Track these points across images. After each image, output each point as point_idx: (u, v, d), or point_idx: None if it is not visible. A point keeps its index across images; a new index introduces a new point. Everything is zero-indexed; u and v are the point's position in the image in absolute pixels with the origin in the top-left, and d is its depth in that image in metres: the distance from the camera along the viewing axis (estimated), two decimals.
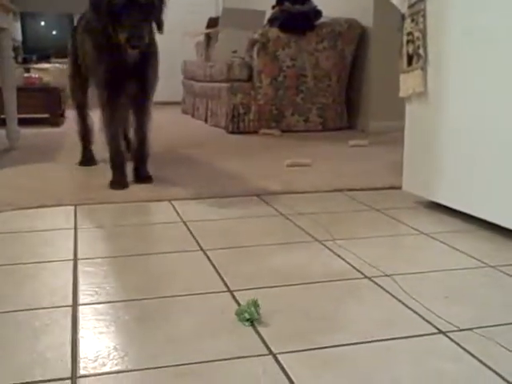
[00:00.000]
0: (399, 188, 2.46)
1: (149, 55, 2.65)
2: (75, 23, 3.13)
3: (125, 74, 2.63)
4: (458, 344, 1.20)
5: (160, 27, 2.61)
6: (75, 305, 1.39)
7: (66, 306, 1.39)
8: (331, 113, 4.83)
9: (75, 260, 1.71)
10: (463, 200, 2.07)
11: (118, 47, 2.51)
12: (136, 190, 2.58)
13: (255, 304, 1.31)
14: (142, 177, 2.75)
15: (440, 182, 2.18)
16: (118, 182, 2.63)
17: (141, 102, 2.75)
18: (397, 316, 1.34)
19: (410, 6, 2.25)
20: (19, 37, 7.23)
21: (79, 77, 2.96)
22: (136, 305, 1.39)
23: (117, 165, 2.69)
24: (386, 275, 1.58)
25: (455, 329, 1.27)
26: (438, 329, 1.27)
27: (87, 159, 3.19)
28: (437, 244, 1.87)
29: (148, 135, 2.80)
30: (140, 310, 1.36)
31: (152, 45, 2.66)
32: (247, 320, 1.28)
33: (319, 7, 4.76)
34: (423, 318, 1.32)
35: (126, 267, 1.66)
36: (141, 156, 2.79)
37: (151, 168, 2.81)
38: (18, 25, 7.20)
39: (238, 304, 1.37)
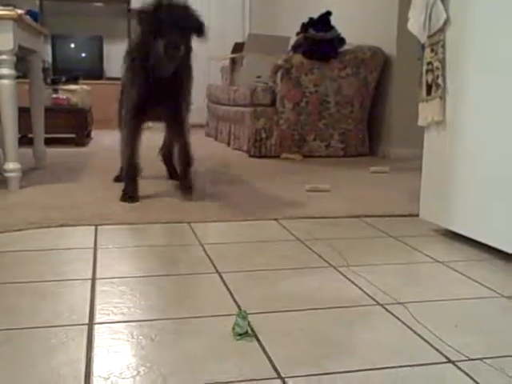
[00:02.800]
0: (417, 216, 2.47)
1: (182, 78, 2.82)
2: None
3: (155, 99, 2.78)
4: (466, 374, 1.20)
5: (200, 35, 2.76)
6: (91, 323, 1.43)
7: (82, 324, 1.42)
8: (353, 139, 4.86)
9: (93, 279, 1.74)
10: (479, 229, 2.08)
11: (153, 68, 2.68)
12: (155, 211, 2.62)
13: (243, 317, 1.35)
14: (185, 186, 2.91)
15: (456, 211, 2.19)
16: (128, 195, 2.80)
17: (175, 125, 2.94)
18: (406, 344, 1.34)
19: (430, 36, 2.28)
20: (49, 58, 7.40)
21: None
22: (150, 325, 1.42)
23: (129, 177, 2.87)
24: (399, 303, 1.59)
25: (465, 358, 1.27)
26: (447, 358, 1.27)
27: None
28: (451, 272, 1.87)
29: (188, 142, 2.95)
30: (154, 330, 1.39)
31: (187, 67, 2.83)
32: (239, 335, 1.33)
33: (343, 35, 4.81)
34: (433, 347, 1.32)
35: (141, 288, 1.69)
36: (185, 164, 2.94)
37: (171, 188, 2.85)
38: (49, 47, 7.38)
39: (252, 328, 1.39)
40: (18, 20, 2.98)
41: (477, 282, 1.78)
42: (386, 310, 1.54)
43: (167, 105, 2.87)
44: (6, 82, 2.97)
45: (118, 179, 3.27)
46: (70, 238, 2.22)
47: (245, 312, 1.38)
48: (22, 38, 3.14)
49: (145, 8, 2.69)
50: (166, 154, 3.43)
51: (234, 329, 1.36)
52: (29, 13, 3.41)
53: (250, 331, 1.36)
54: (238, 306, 1.54)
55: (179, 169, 2.98)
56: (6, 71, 2.96)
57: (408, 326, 1.44)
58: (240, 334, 1.34)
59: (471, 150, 2.10)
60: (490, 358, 1.28)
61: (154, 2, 2.67)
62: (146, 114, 2.87)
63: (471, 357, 1.28)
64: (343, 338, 1.37)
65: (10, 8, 2.98)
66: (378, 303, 1.59)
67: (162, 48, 2.60)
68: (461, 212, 2.17)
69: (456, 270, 1.89)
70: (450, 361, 1.26)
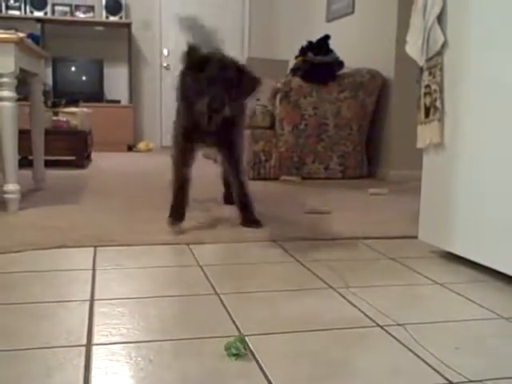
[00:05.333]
0: (416, 237, 2.47)
1: (233, 121, 2.69)
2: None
3: (206, 133, 2.68)
4: None
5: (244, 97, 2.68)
6: (89, 344, 1.42)
7: (80, 345, 1.41)
8: (352, 161, 4.88)
9: (92, 300, 1.74)
10: (478, 251, 2.08)
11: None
12: (154, 233, 2.62)
13: (242, 340, 1.37)
14: (248, 220, 2.84)
15: (455, 233, 2.19)
16: (173, 218, 2.69)
17: (229, 163, 2.89)
18: (406, 365, 1.34)
19: (428, 60, 2.30)
20: (50, 81, 7.44)
21: None
22: (148, 346, 1.41)
23: (175, 203, 2.74)
24: (398, 324, 1.58)
25: (465, 380, 1.26)
26: (447, 379, 1.26)
27: None
28: (450, 294, 1.87)
29: (244, 181, 2.91)
30: (152, 351, 1.38)
31: (236, 114, 2.68)
32: (234, 355, 1.34)
33: (342, 58, 4.85)
34: (433, 368, 1.32)
35: (140, 309, 1.68)
36: (243, 202, 2.89)
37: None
38: (50, 70, 7.42)
39: (250, 349, 1.39)
40: (19, 43, 3.00)
41: (476, 303, 1.78)
42: (386, 331, 1.54)
43: (219, 139, 2.79)
44: (6, 104, 2.98)
45: None
46: (68, 260, 2.21)
47: (243, 335, 1.38)
48: (23, 60, 3.17)
49: (192, 58, 2.57)
50: (226, 178, 3.32)
51: (229, 349, 1.35)
52: (30, 36, 3.45)
53: (243, 351, 1.35)
54: (237, 328, 1.53)
55: (238, 208, 2.91)
56: (6, 93, 2.98)
57: (408, 348, 1.43)
58: (235, 354, 1.34)
59: (469, 171, 2.11)
60: (490, 379, 1.27)
61: (203, 54, 2.58)
62: (195, 141, 2.80)
63: (471, 378, 1.27)
64: (343, 360, 1.36)
65: (12, 31, 3.01)
66: (378, 325, 1.58)
67: (204, 105, 2.45)
68: (460, 234, 2.17)
69: (455, 292, 1.89)
70: (450, 382, 1.25)
